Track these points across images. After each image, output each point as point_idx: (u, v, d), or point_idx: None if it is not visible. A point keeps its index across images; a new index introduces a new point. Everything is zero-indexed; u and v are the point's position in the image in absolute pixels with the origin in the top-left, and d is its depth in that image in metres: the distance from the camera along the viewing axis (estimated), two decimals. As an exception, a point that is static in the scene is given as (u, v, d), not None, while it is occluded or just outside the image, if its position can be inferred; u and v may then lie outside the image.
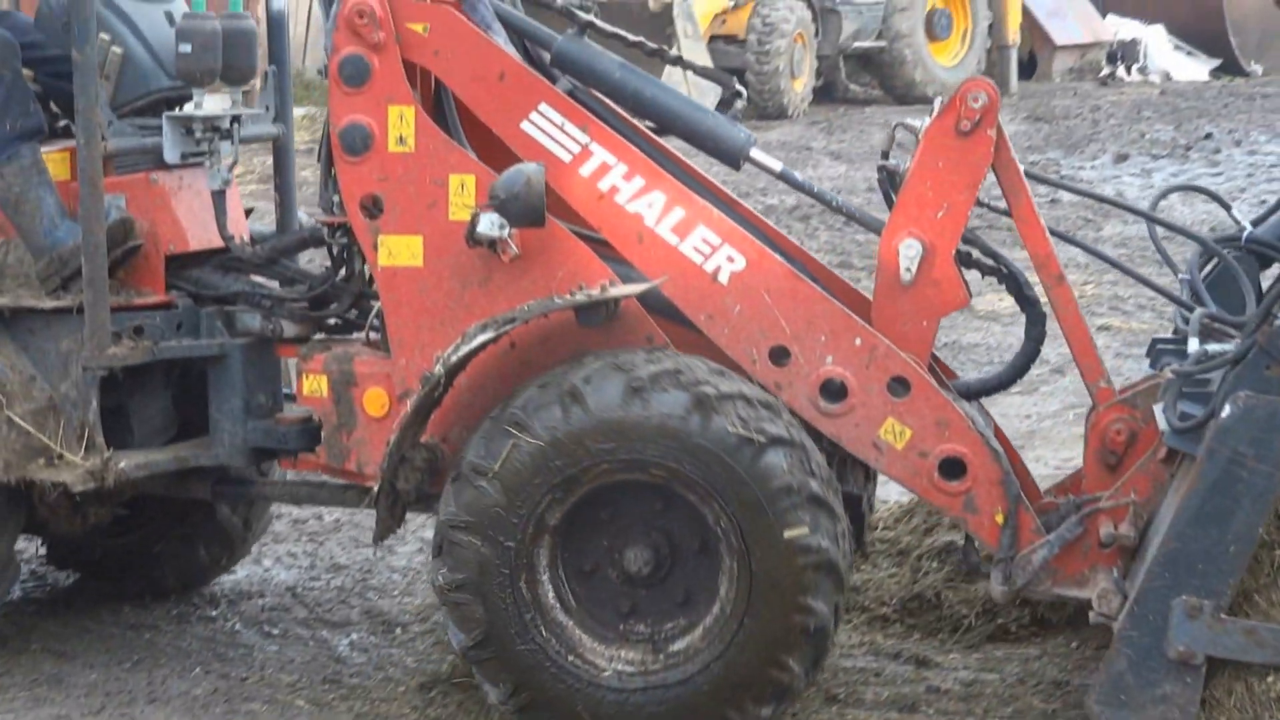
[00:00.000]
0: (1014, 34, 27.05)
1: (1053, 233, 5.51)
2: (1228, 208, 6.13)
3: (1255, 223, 5.87)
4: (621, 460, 5.10)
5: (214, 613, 6.67)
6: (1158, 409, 5.14)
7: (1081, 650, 6.08)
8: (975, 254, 5.52)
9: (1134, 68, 29.18)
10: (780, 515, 5.06)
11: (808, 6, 24.37)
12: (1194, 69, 29.89)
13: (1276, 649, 4.74)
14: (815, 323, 5.28)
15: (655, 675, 5.23)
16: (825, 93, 25.30)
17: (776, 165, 5.63)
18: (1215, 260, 5.71)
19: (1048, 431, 8.94)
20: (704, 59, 22.30)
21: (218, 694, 5.91)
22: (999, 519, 5.23)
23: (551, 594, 5.26)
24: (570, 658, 5.23)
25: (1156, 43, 29.87)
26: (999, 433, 5.63)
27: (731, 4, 23.63)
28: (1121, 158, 19.49)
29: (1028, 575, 5.19)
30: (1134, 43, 29.62)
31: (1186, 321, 5.26)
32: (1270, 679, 4.74)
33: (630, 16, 22.12)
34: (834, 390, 5.27)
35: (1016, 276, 5.54)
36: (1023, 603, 6.12)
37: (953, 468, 5.25)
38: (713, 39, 23.09)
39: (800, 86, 23.79)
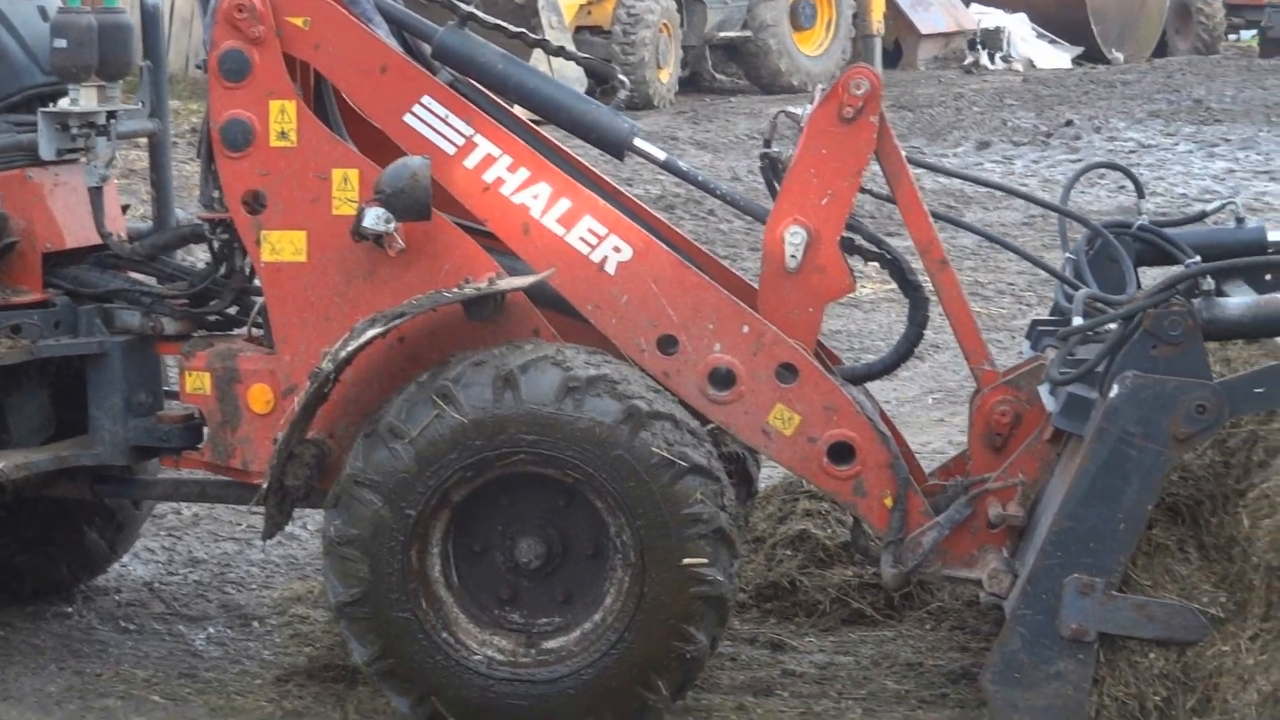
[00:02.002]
0: (878, 23, 27.34)
1: (937, 216, 5.57)
2: (1141, 193, 6.23)
3: (1163, 224, 5.96)
4: (541, 454, 5.11)
5: (69, 609, 6.58)
6: (1043, 390, 5.22)
7: (935, 632, 6.19)
8: (859, 240, 5.56)
9: (997, 56, 29.55)
10: (683, 541, 5.08)
11: (671, -2, 24.46)
12: (1057, 57, 30.30)
13: (1167, 624, 4.82)
14: (702, 311, 5.31)
15: (523, 669, 5.24)
16: (691, 83, 25.43)
17: (660, 154, 5.66)
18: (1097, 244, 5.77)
19: (907, 416, 9.04)
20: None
21: (72, 690, 5.86)
22: (888, 502, 5.28)
23: (438, 567, 5.25)
24: (443, 633, 5.22)
25: (1019, 31, 30.26)
26: (885, 417, 5.69)
27: (596, -5, 23.68)
28: (983, 145, 19.74)
29: (918, 557, 5.24)
30: (997, 31, 29.99)
31: (1069, 300, 5.35)
32: (1153, 655, 4.82)
33: (496, 8, 22.03)
34: (722, 378, 5.30)
35: (899, 262, 5.60)
36: (875, 587, 6.24)
37: (842, 452, 5.29)
38: (578, 30, 23.11)
39: (666, 77, 23.89)
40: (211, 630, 6.41)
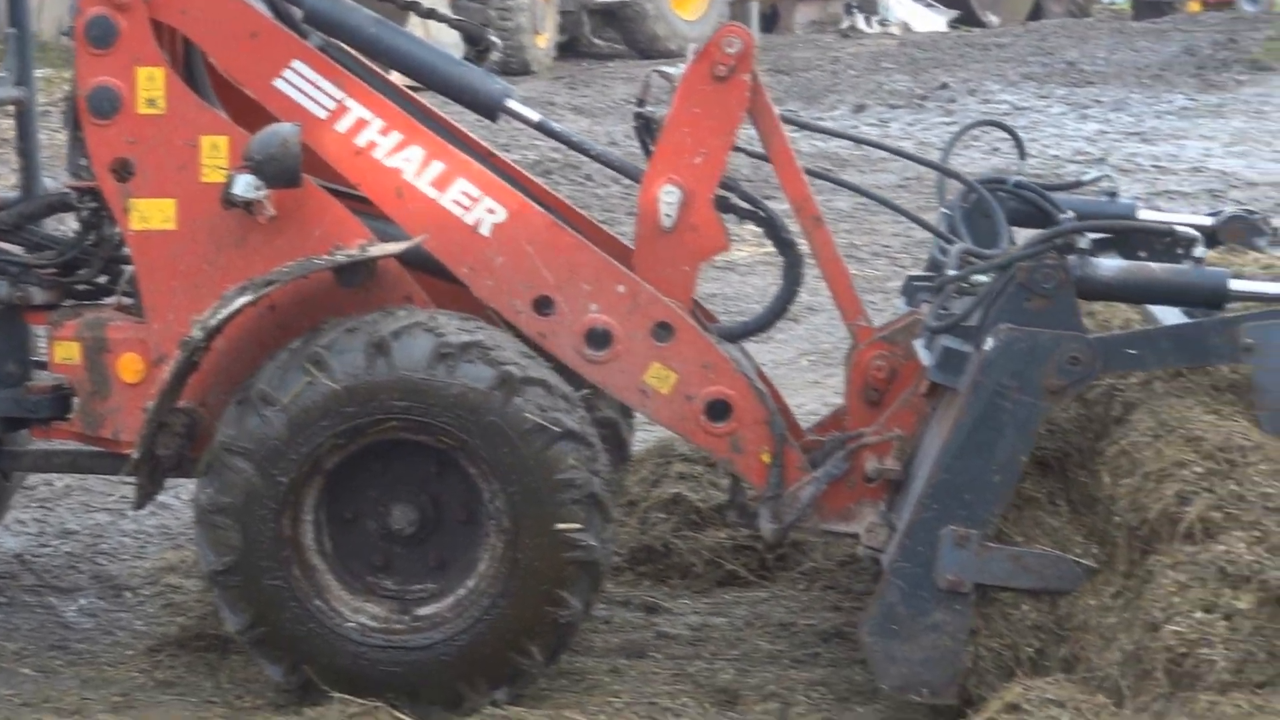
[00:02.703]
0: (754, -13, 27.34)
1: (811, 174, 5.61)
2: (1023, 152, 6.30)
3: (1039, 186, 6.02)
4: (413, 421, 5.11)
5: (-63, 583, 6.54)
6: (918, 344, 5.27)
7: (808, 593, 6.25)
8: (734, 199, 5.58)
9: (874, 20, 29.66)
10: (556, 507, 5.10)
11: (549, -38, 24.38)
12: (932, 20, 30.47)
13: (1042, 574, 4.88)
14: (578, 271, 5.33)
15: (396, 635, 5.24)
16: (569, 48, 25.36)
17: (534, 115, 5.66)
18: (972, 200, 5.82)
19: (783, 378, 9.04)
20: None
21: (-61, 664, 5.81)
22: (765, 458, 5.32)
23: (311, 535, 5.24)
24: (316, 601, 5.22)
25: (895, -5, 30.39)
26: (762, 374, 5.72)
27: (473, -39, 23.53)
28: (859, 108, 19.84)
29: (795, 512, 5.29)
30: (874, -6, 30.11)
31: (945, 254, 5.40)
32: (1026, 606, 4.89)
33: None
34: (599, 338, 5.32)
35: (774, 220, 5.63)
36: (749, 549, 6.32)
37: (718, 410, 5.32)
38: (459, -5, 23.01)
39: (544, 42, 23.82)
40: (83, 602, 6.37)
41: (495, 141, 15.54)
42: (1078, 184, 6.39)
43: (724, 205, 5.51)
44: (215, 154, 5.40)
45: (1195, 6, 33.14)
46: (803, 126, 6.27)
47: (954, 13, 30.94)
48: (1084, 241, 5.05)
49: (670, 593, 6.27)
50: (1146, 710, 4.38)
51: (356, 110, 5.39)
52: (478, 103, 5.67)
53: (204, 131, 5.41)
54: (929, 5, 30.85)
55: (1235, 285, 5.07)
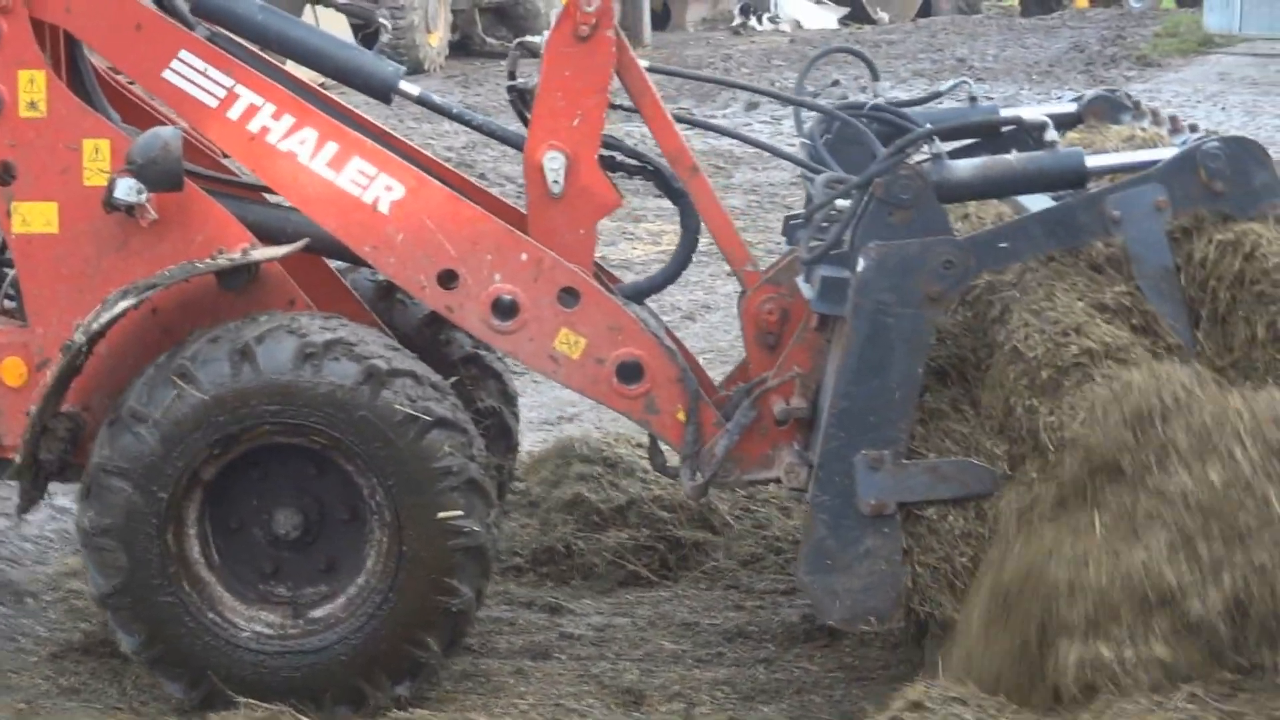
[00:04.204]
0: (647, -15, 27.40)
1: (683, 120, 5.58)
2: (875, 75, 6.26)
3: (897, 104, 5.95)
4: (285, 423, 5.08)
5: None
6: (800, 280, 5.24)
7: (710, 592, 6.24)
8: (619, 157, 5.57)
9: (765, 17, 29.79)
10: (436, 496, 5.07)
11: (439, -41, 24.32)
12: (823, 17, 30.65)
13: (961, 481, 4.86)
14: (480, 243, 5.30)
15: (293, 640, 5.21)
16: (462, 46, 25.32)
17: (415, 90, 5.66)
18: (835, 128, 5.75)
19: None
20: (339, 15, 22.10)
21: None
22: (680, 416, 5.29)
23: (197, 548, 5.20)
24: (209, 614, 5.18)
25: (787, -8, 30.55)
26: (670, 333, 5.71)
27: (365, -41, 23.45)
28: (752, 106, 19.87)
29: (713, 466, 5.25)
30: (765, -8, 30.25)
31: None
32: (952, 516, 4.87)
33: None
34: (505, 308, 5.29)
35: (662, 171, 5.61)
36: (650, 549, 6.30)
37: (630, 371, 5.30)
38: (348, -8, 22.89)
39: (436, 41, 23.74)
40: (-15, 608, 6.30)
41: (398, 126, 15.56)
42: (935, 96, 6.37)
43: (610, 164, 5.49)
44: (97, 157, 5.34)
45: (1083, 3, 33.57)
46: (694, 125, 6.21)
47: (844, 9, 31.16)
48: (936, 144, 5.01)
49: (573, 593, 6.25)
50: (1049, 711, 4.39)
51: (247, 96, 5.35)
52: (370, 85, 5.67)
53: (86, 135, 5.35)
54: (819, 2, 31.06)
55: (1092, 162, 5.05)
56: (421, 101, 5.69)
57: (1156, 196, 4.76)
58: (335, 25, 22.01)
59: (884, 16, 31.43)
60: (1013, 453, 4.80)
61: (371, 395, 5.03)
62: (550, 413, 8.28)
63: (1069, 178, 5.02)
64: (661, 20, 28.98)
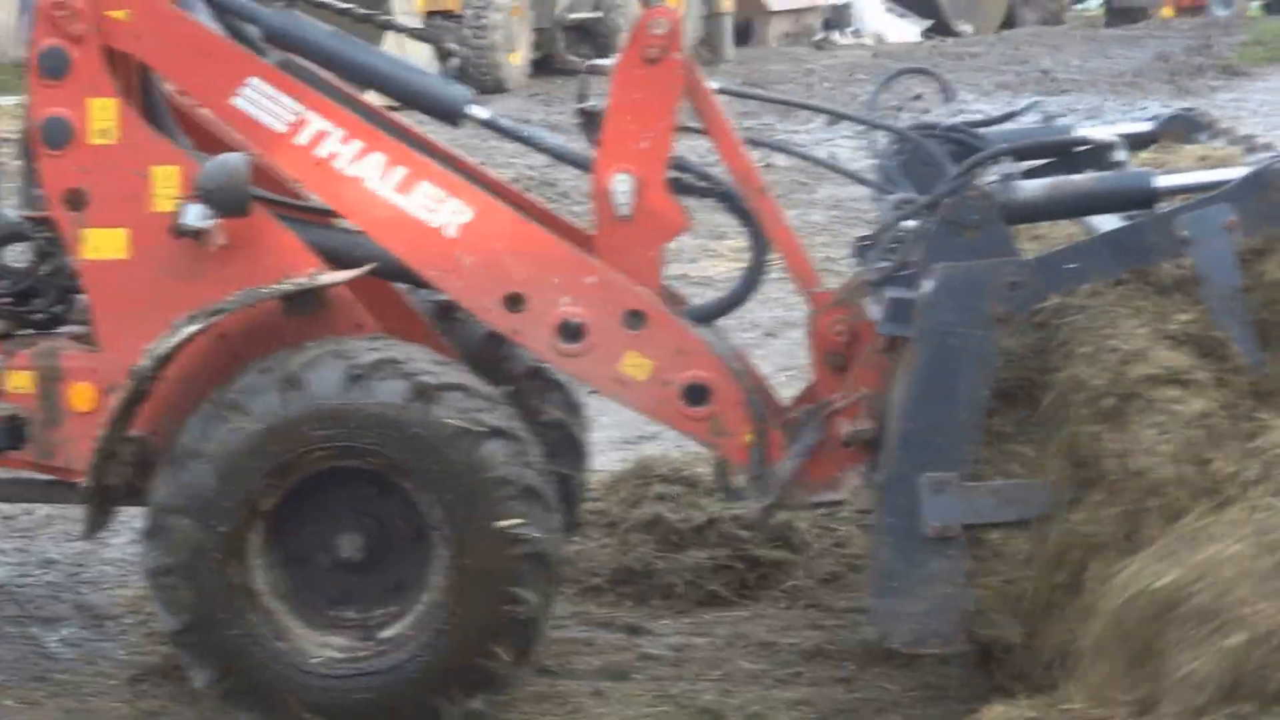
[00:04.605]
0: (728, 1, 27.39)
1: (755, 143, 5.56)
2: (950, 95, 6.22)
3: (971, 125, 5.91)
4: (339, 447, 5.08)
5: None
6: (868, 301, 5.21)
7: (789, 611, 6.20)
8: (687, 179, 5.53)
9: (848, 31, 29.75)
10: (494, 506, 5.06)
11: (523, -21, 24.40)
12: (906, 30, 30.60)
13: (1026, 502, 4.79)
14: (547, 266, 5.29)
15: (364, 662, 5.20)
16: (544, 65, 25.37)
17: (484, 114, 5.64)
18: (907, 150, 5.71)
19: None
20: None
21: (-78, 698, 5.75)
22: (747, 438, 5.27)
23: (262, 579, 5.20)
24: (279, 643, 5.18)
25: (869, 6, 30.51)
26: (739, 353, 5.69)
27: (447, -23, 23.57)
28: (834, 121, 19.78)
29: (780, 489, 5.22)
30: (847, 6, 30.23)
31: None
32: (1018, 539, 4.80)
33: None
34: (572, 330, 5.28)
35: (730, 194, 5.58)
36: (729, 568, 6.27)
37: (697, 393, 5.27)
38: (430, 15, 22.98)
39: (518, 60, 23.83)
40: (66, 632, 6.30)
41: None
42: (1009, 117, 6.31)
43: (680, 186, 5.46)
44: (166, 183, 5.36)
45: (1169, 12, 33.31)
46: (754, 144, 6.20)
47: (927, 22, 31.06)
48: (1007, 165, 5.00)
49: (651, 614, 6.21)
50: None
51: (316, 122, 5.37)
52: (438, 108, 5.66)
53: (154, 161, 5.37)
54: (902, 15, 30.97)
55: (1161, 182, 5.00)
56: (490, 125, 5.69)
57: (1226, 216, 4.67)
58: (415, 51, 22.19)
59: (967, 29, 31.29)
60: (1078, 478, 4.73)
61: (422, 411, 5.03)
62: (629, 432, 8.25)
63: (1137, 198, 4.97)
64: (744, 36, 28.95)
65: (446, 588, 5.12)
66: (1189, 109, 6.12)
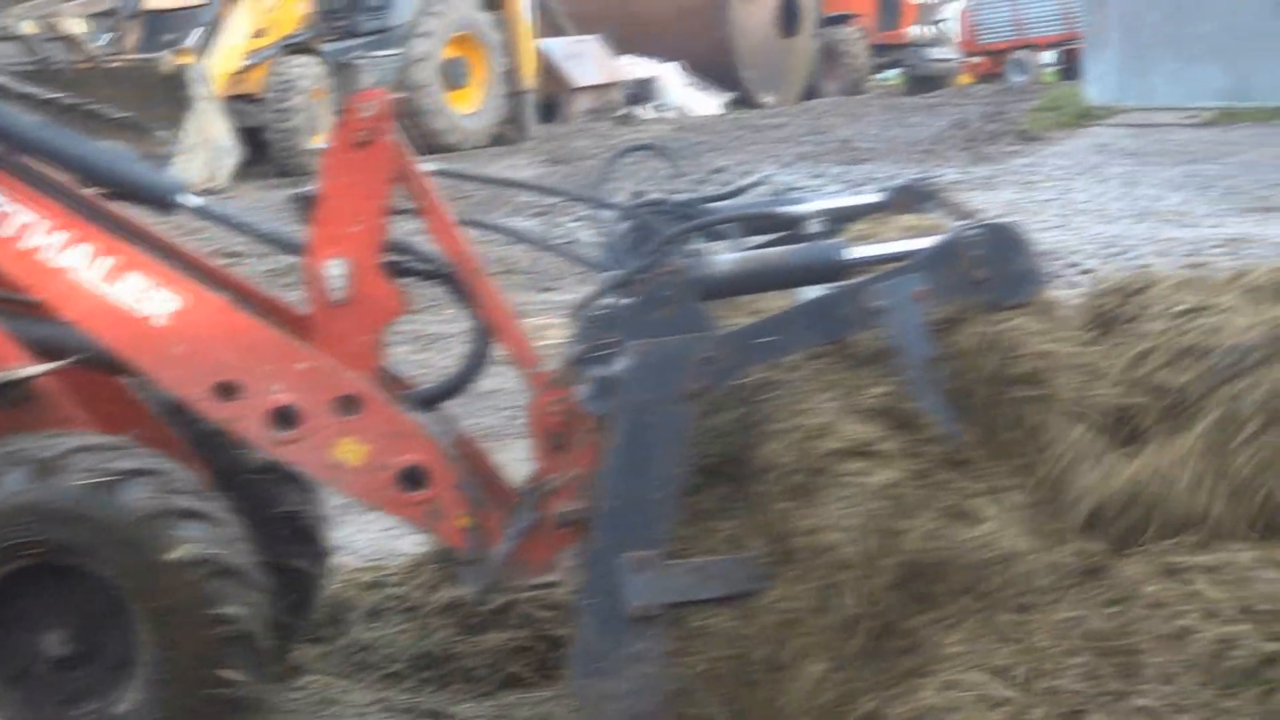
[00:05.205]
0: (530, 79, 27.53)
1: (471, 223, 5.54)
2: (678, 170, 6.23)
3: (700, 199, 5.91)
4: (31, 544, 4.98)
5: None
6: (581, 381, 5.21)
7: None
8: (407, 261, 5.49)
9: (651, 105, 29.97)
10: (189, 588, 4.99)
11: (323, 62, 24.39)
12: (709, 103, 30.85)
13: (727, 579, 4.75)
14: (258, 353, 5.25)
15: None
16: (349, 146, 25.27)
17: (196, 202, 5.60)
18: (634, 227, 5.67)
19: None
20: (221, 120, 22.11)
21: None
22: (465, 522, 5.23)
23: None
24: None
25: (672, 80, 30.79)
26: (466, 438, 5.66)
27: (246, 62, 23.49)
28: (636, 194, 19.89)
29: (497, 572, 5.19)
30: (650, 81, 30.47)
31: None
32: (719, 616, 4.76)
33: (143, 79, 21.80)
34: (285, 417, 5.24)
35: (453, 277, 5.53)
36: (530, 649, 6.22)
37: (413, 478, 5.23)
38: (232, 99, 22.88)
39: (320, 142, 23.75)
40: None
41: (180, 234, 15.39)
42: (739, 191, 6.36)
43: (398, 269, 5.45)
44: None
45: (966, 79, 33.91)
46: (450, 176, 6.21)
47: (730, 95, 31.35)
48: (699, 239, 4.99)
49: (453, 698, 6.12)
50: None
51: (20, 214, 5.31)
52: (149, 198, 5.61)
53: None
54: (705, 89, 31.23)
55: (853, 253, 4.98)
56: (203, 213, 5.64)
57: (916, 287, 4.69)
58: (216, 125, 22.04)
59: (769, 100, 31.65)
60: (775, 555, 4.72)
61: (48, 486, 4.96)
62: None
63: (828, 270, 4.96)
64: (548, 112, 29.07)
65: (157, 667, 5.03)
66: (919, 179, 6.17)
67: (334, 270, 5.25)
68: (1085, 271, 13.28)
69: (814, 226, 5.09)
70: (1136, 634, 4.32)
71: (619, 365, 4.75)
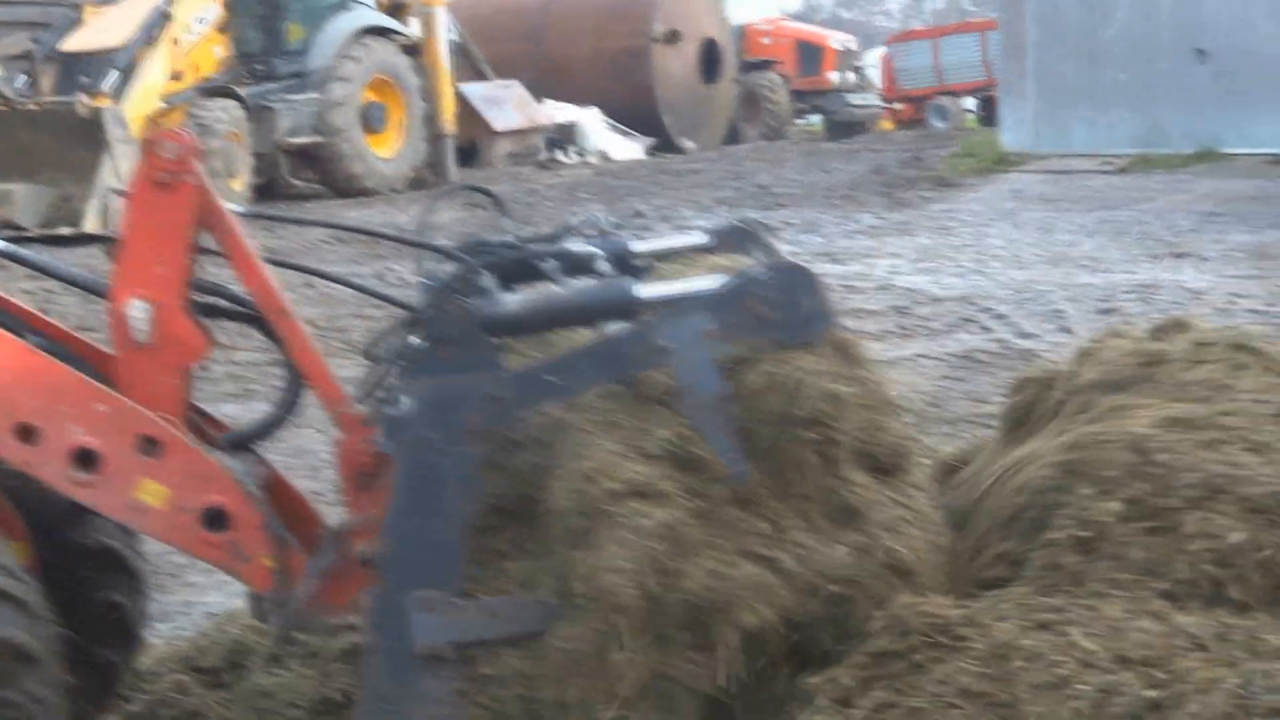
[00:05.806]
0: (449, 123, 27.58)
1: (277, 263, 5.46)
2: (504, 211, 6.22)
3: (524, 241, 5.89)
4: None
5: None
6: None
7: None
8: (214, 301, 5.42)
9: (572, 150, 30.06)
10: None
11: (241, 105, 24.40)
12: (630, 148, 30.95)
13: (517, 620, 4.73)
14: (56, 395, 5.17)
15: None
16: (269, 189, 25.31)
17: (2, 245, 5.55)
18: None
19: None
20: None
21: None
22: (268, 563, 5.18)
23: None
24: None
25: (593, 125, 30.88)
26: (279, 478, 5.58)
27: (163, 105, 23.50)
28: (554, 239, 19.92)
29: (298, 613, 5.14)
30: (571, 126, 30.56)
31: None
32: (507, 655, 4.73)
33: (61, 122, 21.78)
34: (85, 459, 5.15)
35: (263, 319, 5.43)
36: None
37: (215, 519, 5.17)
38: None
39: (240, 185, 23.76)
40: None
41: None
42: (566, 232, 6.37)
43: (207, 309, 5.39)
44: None
45: (888, 125, 34.13)
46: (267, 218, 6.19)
47: (651, 140, 31.46)
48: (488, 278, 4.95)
49: (351, 744, 6.15)
50: None
51: None
52: None
53: None
54: (626, 134, 31.32)
55: (644, 292, 4.96)
56: (9, 256, 5.60)
57: (706, 325, 4.69)
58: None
59: (691, 145, 31.78)
60: (561, 596, 4.70)
61: None
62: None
63: (619, 308, 4.97)
64: (468, 156, 29.11)
65: None
66: (746, 220, 6.16)
67: (135, 311, 5.21)
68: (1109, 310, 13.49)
69: (602, 266, 5.11)
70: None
71: (403, 404, 4.76)
